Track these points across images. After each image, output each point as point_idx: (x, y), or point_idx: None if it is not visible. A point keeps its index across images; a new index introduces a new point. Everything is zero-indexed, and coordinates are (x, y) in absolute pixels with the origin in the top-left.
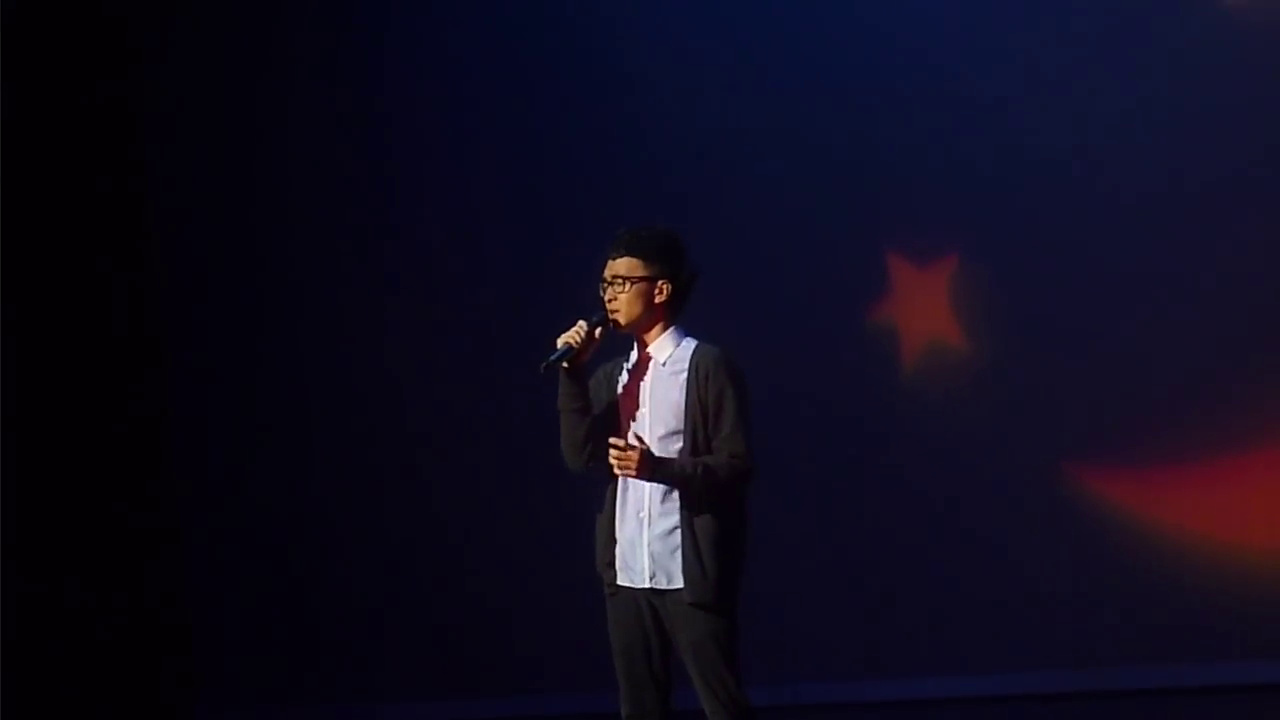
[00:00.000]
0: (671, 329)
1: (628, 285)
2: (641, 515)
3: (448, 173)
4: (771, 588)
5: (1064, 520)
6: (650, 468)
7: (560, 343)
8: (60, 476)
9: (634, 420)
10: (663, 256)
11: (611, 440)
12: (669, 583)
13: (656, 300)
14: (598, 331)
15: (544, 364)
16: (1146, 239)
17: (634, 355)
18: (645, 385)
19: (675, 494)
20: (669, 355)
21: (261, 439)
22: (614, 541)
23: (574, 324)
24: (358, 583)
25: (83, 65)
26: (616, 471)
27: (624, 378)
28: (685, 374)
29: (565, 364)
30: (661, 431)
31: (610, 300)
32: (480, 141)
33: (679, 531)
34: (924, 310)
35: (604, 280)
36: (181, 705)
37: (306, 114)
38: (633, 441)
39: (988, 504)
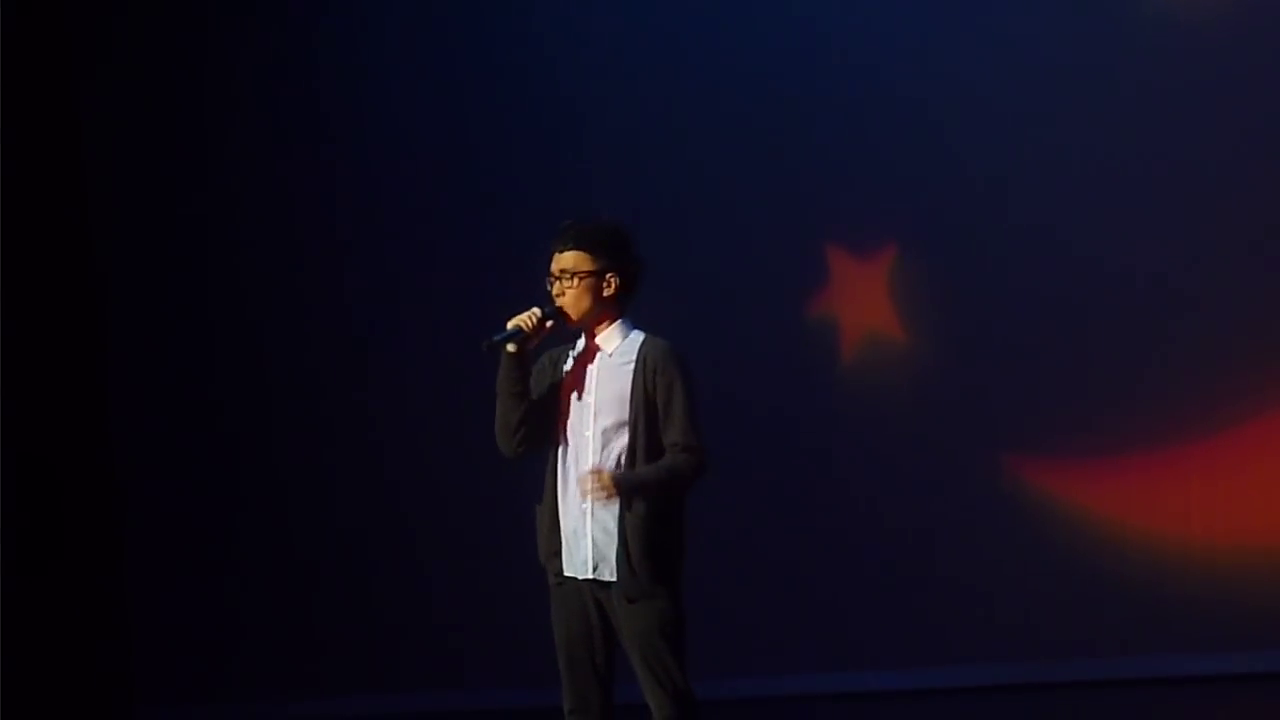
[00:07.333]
0: (620, 321)
1: (576, 280)
2: (584, 506)
3: (394, 156)
4: (711, 581)
5: (1004, 512)
6: (625, 490)
7: (511, 324)
8: None
9: (578, 409)
10: (610, 249)
11: (587, 472)
12: (611, 574)
13: (605, 293)
14: (549, 323)
15: (488, 342)
16: (1086, 232)
17: (581, 344)
18: (591, 376)
19: None
20: (616, 347)
21: (205, 431)
22: (557, 531)
23: (528, 309)
24: (297, 578)
25: (20, 56)
26: (595, 498)
27: (569, 366)
28: (632, 366)
29: (511, 346)
30: (606, 422)
31: (559, 295)
32: (426, 140)
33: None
34: (864, 302)
35: (550, 274)
36: (121, 702)
37: (251, 100)
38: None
39: (927, 496)
